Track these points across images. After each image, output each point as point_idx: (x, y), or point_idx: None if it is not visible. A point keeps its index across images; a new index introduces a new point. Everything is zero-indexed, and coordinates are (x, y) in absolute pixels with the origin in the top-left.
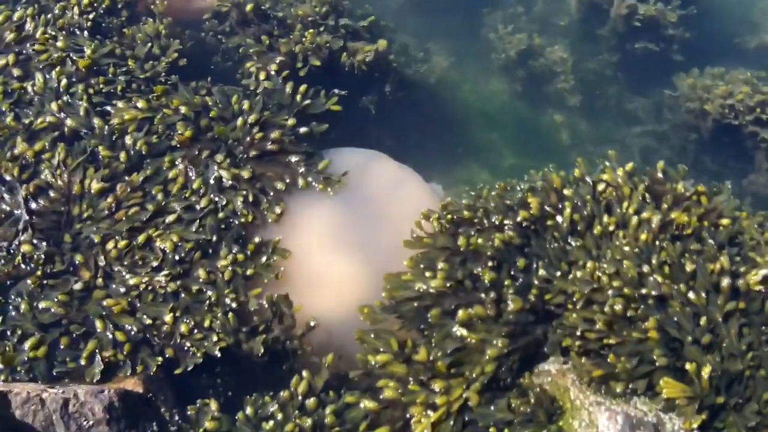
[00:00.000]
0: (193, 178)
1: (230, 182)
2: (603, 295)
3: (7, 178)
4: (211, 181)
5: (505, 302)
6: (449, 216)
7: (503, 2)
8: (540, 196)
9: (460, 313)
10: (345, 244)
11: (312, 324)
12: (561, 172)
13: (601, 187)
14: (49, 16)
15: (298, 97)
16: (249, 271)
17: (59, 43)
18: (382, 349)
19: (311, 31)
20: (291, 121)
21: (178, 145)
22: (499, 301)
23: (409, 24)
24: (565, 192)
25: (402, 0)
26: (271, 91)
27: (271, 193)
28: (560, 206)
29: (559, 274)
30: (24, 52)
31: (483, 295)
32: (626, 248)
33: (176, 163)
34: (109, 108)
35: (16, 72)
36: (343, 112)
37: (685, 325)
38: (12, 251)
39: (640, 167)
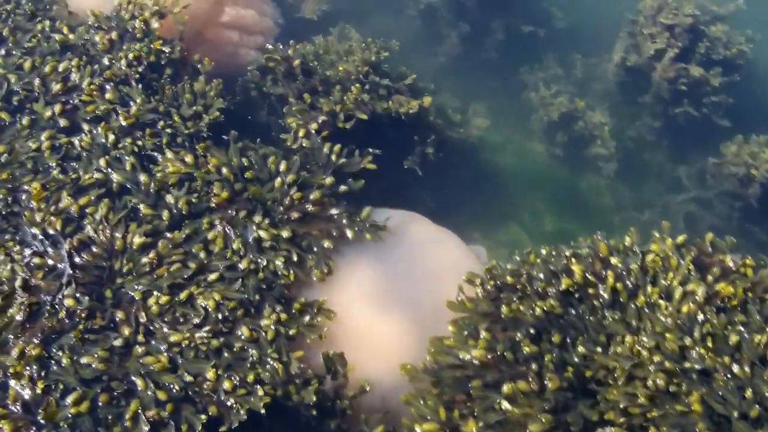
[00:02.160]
0: (233, 238)
1: (270, 243)
2: (644, 370)
3: (51, 231)
4: (250, 242)
5: (546, 377)
6: (492, 281)
7: (544, 64)
8: (584, 264)
9: (505, 387)
10: (389, 303)
11: (366, 388)
12: (611, 240)
13: (649, 257)
14: (96, 67)
15: (333, 157)
16: (292, 331)
17: (108, 95)
18: (429, 417)
19: (356, 86)
20: (329, 180)
21: (215, 206)
22: (540, 374)
23: (449, 84)
24: (612, 260)
25: (441, 60)
26: (309, 150)
27: (316, 251)
28: (603, 275)
29: (599, 349)
30: (70, 102)
31: (524, 368)
32: (668, 320)
33: (215, 224)
34: (157, 156)
35: (62, 122)
36: (383, 172)
37: (730, 399)
38: (56, 305)
39: (685, 235)
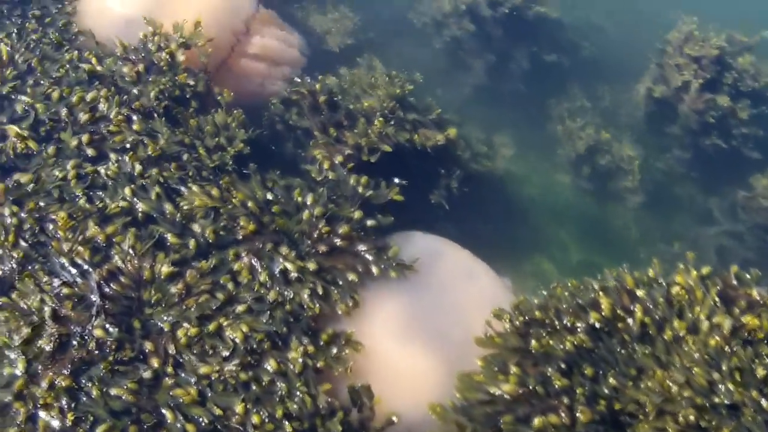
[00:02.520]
0: (259, 270)
1: (296, 275)
2: (675, 405)
3: (79, 261)
4: (277, 274)
5: (577, 410)
6: (521, 317)
7: (570, 95)
8: (612, 297)
9: (536, 421)
10: (417, 336)
11: (394, 420)
12: (636, 272)
13: (675, 290)
14: (125, 97)
15: (360, 189)
16: (320, 364)
17: (135, 126)
18: None
19: (380, 120)
20: (357, 214)
21: (242, 238)
22: (571, 408)
23: (474, 115)
24: (638, 293)
25: (467, 90)
26: (335, 183)
27: (341, 284)
28: (632, 308)
29: (630, 383)
30: (98, 132)
31: (555, 402)
32: (696, 354)
33: (241, 255)
34: (182, 190)
35: (90, 152)
36: (408, 204)
37: None
38: (85, 336)
39: (715, 268)
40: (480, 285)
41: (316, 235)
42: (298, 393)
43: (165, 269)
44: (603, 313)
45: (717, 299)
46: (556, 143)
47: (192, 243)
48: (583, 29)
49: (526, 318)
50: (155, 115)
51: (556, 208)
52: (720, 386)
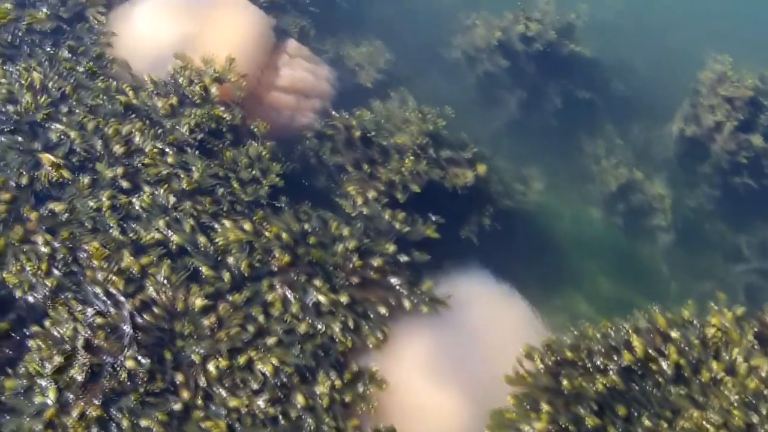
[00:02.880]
0: (292, 301)
1: (328, 307)
2: None
3: (113, 291)
4: (309, 306)
5: None
6: (552, 356)
7: (602, 131)
8: (644, 338)
9: None
10: (445, 374)
11: None
12: (668, 313)
13: (710, 331)
14: (159, 131)
15: (397, 224)
16: (347, 398)
17: (169, 159)
18: None
19: (411, 158)
20: (392, 248)
21: (277, 270)
22: None
23: (507, 149)
24: (672, 334)
25: (499, 125)
26: (370, 217)
27: (372, 317)
28: (664, 349)
29: (665, 424)
30: (132, 164)
31: None
32: (734, 396)
33: (275, 286)
34: (215, 225)
35: (124, 184)
36: (441, 238)
37: None
38: (117, 366)
39: (745, 306)
40: (510, 323)
41: (349, 268)
42: (325, 428)
43: (198, 302)
44: (636, 354)
45: (754, 341)
46: (587, 178)
47: (227, 276)
48: (614, 67)
49: (558, 357)
50: (189, 148)
51: (587, 242)
52: (760, 429)
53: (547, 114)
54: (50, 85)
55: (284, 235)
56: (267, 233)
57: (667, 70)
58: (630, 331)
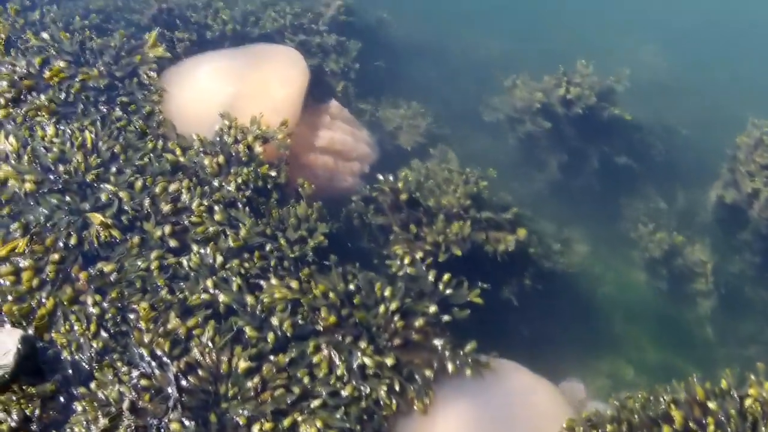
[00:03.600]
0: (337, 363)
1: (374, 370)
2: None
3: (159, 353)
4: (355, 368)
5: None
6: (593, 430)
7: (643, 195)
8: (684, 410)
9: None
10: None
11: None
12: (707, 383)
13: (747, 402)
14: (206, 189)
15: (441, 286)
16: None
17: (217, 216)
18: None
19: (457, 224)
20: (433, 308)
21: (322, 330)
22: None
23: (547, 211)
24: (710, 405)
25: (539, 187)
26: (414, 278)
27: (418, 380)
28: (704, 421)
29: None
30: (180, 222)
31: None
32: None
33: (321, 347)
34: (261, 283)
35: (172, 243)
36: (484, 299)
37: None
38: (161, 429)
39: None
40: (552, 390)
41: (391, 328)
42: None
43: (243, 364)
44: (675, 427)
45: None
46: (629, 242)
47: (270, 337)
48: (655, 129)
49: (599, 431)
50: (238, 204)
51: (631, 307)
52: None
53: (588, 176)
54: (101, 144)
55: (331, 294)
56: (314, 291)
57: (708, 132)
58: (669, 402)
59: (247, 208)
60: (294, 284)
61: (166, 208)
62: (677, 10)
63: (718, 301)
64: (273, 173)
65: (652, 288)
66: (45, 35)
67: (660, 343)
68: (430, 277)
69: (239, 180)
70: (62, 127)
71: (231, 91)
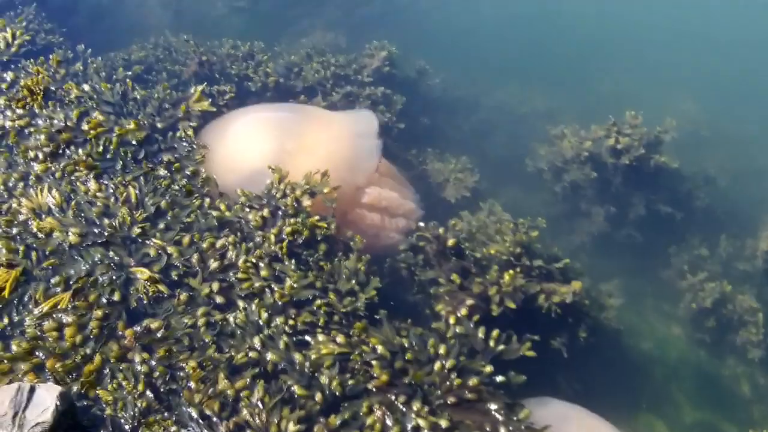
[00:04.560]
0: (390, 425)
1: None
2: None
3: (208, 412)
4: (409, 430)
5: None
6: None
7: (688, 244)
8: None
9: None
10: None
11: None
12: None
13: None
14: (251, 244)
15: (491, 342)
16: None
17: (262, 272)
18: None
19: (510, 272)
20: (488, 368)
21: (374, 389)
22: None
23: (591, 262)
24: None
25: (583, 237)
26: (464, 335)
27: None
28: None
29: None
30: (227, 279)
31: None
32: None
33: (373, 409)
34: (308, 339)
35: (219, 299)
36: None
37: None
38: None
39: None
40: None
41: (445, 387)
42: None
43: (292, 427)
44: None
45: None
46: (671, 293)
47: (318, 396)
48: (698, 179)
49: None
50: (283, 257)
51: (670, 362)
52: None
53: (632, 226)
54: (146, 200)
55: (380, 348)
56: (364, 348)
57: (744, 182)
58: None
59: (293, 261)
60: (341, 339)
61: (213, 264)
62: (714, 61)
63: (764, 352)
64: (322, 224)
65: (692, 341)
66: (86, 86)
67: (697, 401)
68: (480, 334)
69: (287, 230)
70: (105, 182)
71: (278, 145)
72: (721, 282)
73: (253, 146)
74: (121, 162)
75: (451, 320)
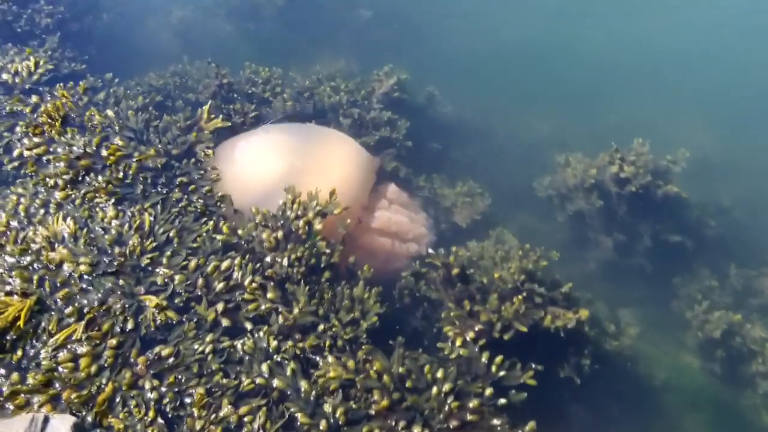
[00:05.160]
0: None
1: None
2: None
3: None
4: None
5: None
6: None
7: (697, 274)
8: None
9: None
10: None
11: None
12: None
13: None
14: (258, 265)
15: (494, 368)
16: None
17: (269, 294)
18: None
19: (518, 297)
20: (489, 391)
21: (374, 414)
22: None
23: (599, 290)
24: None
25: (591, 266)
26: (467, 359)
27: None
28: None
29: None
30: (233, 300)
31: None
32: None
33: None
34: (318, 360)
35: (225, 322)
36: (537, 380)
37: None
38: None
39: None
40: None
41: (446, 411)
42: None
43: None
44: None
45: None
46: (682, 322)
47: (323, 424)
48: (708, 207)
49: None
50: (293, 281)
51: (684, 392)
52: None
53: (640, 255)
54: (157, 228)
55: (385, 376)
56: (370, 371)
57: (758, 211)
58: None
59: (302, 282)
60: (350, 364)
61: (218, 286)
62: (728, 89)
63: None
64: (327, 250)
65: (705, 371)
66: (110, 112)
67: (712, 431)
68: (483, 359)
69: (294, 256)
70: (123, 209)
71: (291, 166)
72: (728, 312)
73: (266, 165)
74: (141, 187)
75: (458, 342)
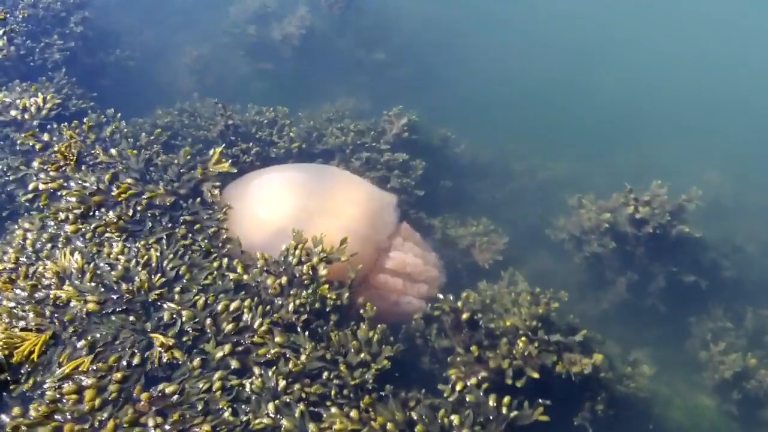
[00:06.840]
0: None
1: None
2: None
3: None
4: None
5: None
6: None
7: (711, 315)
8: None
9: None
10: None
11: None
12: None
13: None
14: (267, 308)
15: (504, 409)
16: None
17: (277, 338)
18: None
19: (523, 340)
20: None
21: None
22: None
23: (614, 332)
24: None
25: (605, 307)
26: (476, 404)
27: None
28: None
29: None
30: (242, 342)
31: None
32: None
33: None
34: (324, 407)
35: (233, 363)
36: (554, 427)
37: None
38: None
39: None
40: None
41: None
42: None
43: None
44: None
45: None
46: (697, 364)
47: None
48: (723, 248)
49: None
50: (297, 328)
51: None
52: None
53: (655, 296)
54: (165, 264)
55: (390, 426)
56: (374, 423)
57: None
58: None
59: (306, 333)
60: (354, 414)
61: (227, 327)
62: (742, 129)
63: None
64: (332, 295)
65: (721, 412)
66: (114, 151)
67: None
68: (491, 402)
69: (297, 302)
70: (129, 245)
71: (302, 208)
72: (741, 354)
73: (276, 205)
74: (150, 224)
75: (458, 386)
